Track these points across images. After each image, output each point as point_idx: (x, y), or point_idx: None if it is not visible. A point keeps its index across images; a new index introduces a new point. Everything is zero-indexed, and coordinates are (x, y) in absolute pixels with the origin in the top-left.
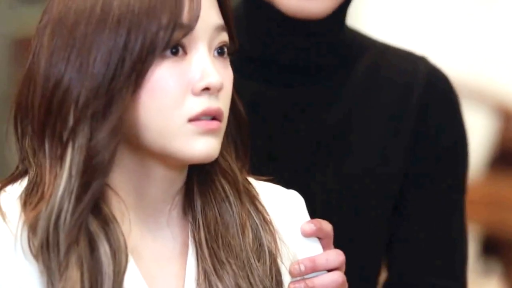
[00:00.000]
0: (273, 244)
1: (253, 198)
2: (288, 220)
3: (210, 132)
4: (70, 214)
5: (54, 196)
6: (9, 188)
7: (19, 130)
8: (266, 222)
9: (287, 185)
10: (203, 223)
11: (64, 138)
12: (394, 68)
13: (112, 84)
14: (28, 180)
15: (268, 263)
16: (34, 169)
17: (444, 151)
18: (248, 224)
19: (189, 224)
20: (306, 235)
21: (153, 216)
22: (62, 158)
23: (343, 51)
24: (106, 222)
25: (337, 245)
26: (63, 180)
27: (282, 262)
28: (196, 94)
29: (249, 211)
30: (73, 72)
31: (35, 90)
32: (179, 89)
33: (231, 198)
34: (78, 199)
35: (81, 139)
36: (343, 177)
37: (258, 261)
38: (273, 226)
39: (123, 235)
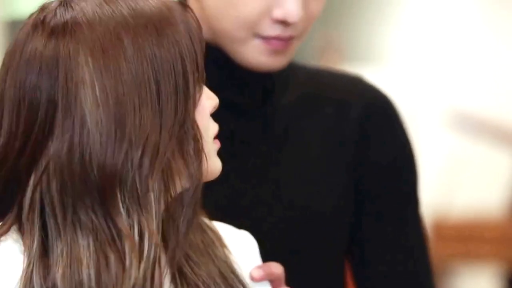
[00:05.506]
0: (234, 266)
1: (208, 227)
2: (239, 260)
3: None
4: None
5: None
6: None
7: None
8: (222, 246)
9: (233, 213)
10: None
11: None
12: (328, 86)
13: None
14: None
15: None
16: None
17: (386, 168)
18: (210, 249)
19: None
20: (255, 281)
21: None
22: (145, 207)
23: (277, 78)
24: None
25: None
26: (154, 226)
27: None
28: None
29: (209, 237)
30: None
31: (84, 173)
32: None
33: (197, 224)
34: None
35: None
36: (286, 203)
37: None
38: (228, 250)
39: None
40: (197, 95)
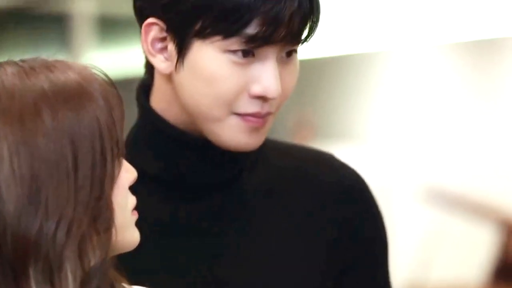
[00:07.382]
0: None
1: None
2: None
3: None
4: None
5: None
6: None
7: None
8: None
9: None
10: None
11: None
12: (300, 162)
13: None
14: None
15: None
16: None
17: (363, 248)
18: None
19: None
20: None
21: None
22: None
23: (248, 155)
24: None
25: None
26: None
27: None
28: None
29: None
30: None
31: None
32: None
33: None
34: None
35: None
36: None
37: None
38: None
39: None
40: (116, 171)
